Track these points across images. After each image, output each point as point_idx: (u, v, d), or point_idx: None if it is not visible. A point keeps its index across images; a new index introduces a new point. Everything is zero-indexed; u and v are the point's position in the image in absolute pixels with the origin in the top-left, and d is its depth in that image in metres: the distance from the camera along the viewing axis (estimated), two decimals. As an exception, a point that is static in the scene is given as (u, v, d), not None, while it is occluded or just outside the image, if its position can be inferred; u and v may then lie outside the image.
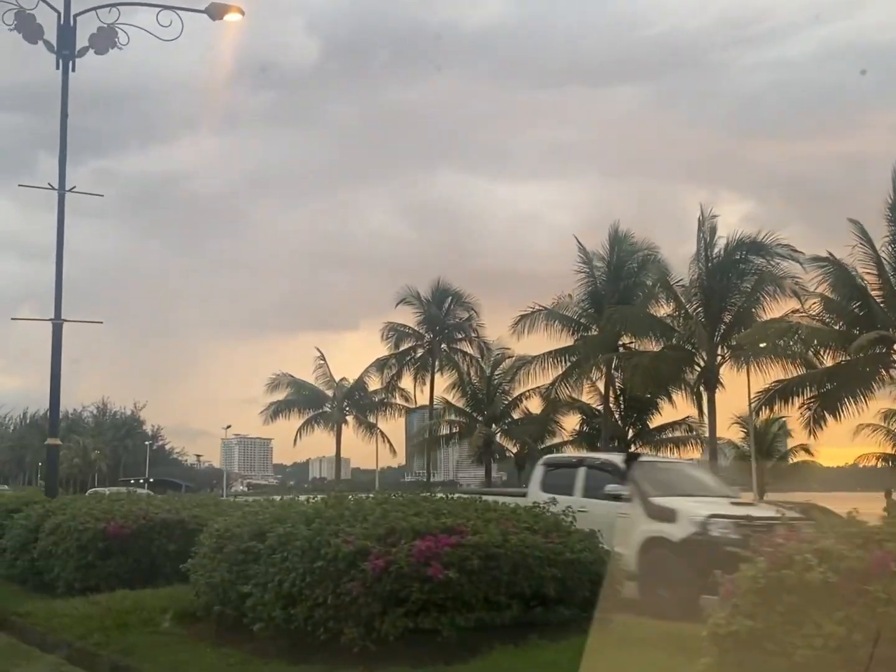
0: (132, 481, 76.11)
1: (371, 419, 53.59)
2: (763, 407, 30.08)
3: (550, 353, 40.36)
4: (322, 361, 53.41)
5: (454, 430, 45.07)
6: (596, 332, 39.68)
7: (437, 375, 49.29)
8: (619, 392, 42.17)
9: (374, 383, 52.40)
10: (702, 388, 34.35)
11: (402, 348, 49.47)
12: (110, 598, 11.53)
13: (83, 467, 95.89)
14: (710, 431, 33.08)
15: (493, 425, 43.82)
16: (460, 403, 44.85)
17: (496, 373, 44.15)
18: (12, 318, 18.26)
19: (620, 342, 39.34)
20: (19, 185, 17.97)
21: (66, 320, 17.64)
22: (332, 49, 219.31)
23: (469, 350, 49.31)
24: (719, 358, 32.15)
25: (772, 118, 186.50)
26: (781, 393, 28.82)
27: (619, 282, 38.98)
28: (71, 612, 11.25)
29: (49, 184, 17.80)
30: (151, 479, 72.32)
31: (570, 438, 46.21)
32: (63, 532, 13.45)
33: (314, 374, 53.39)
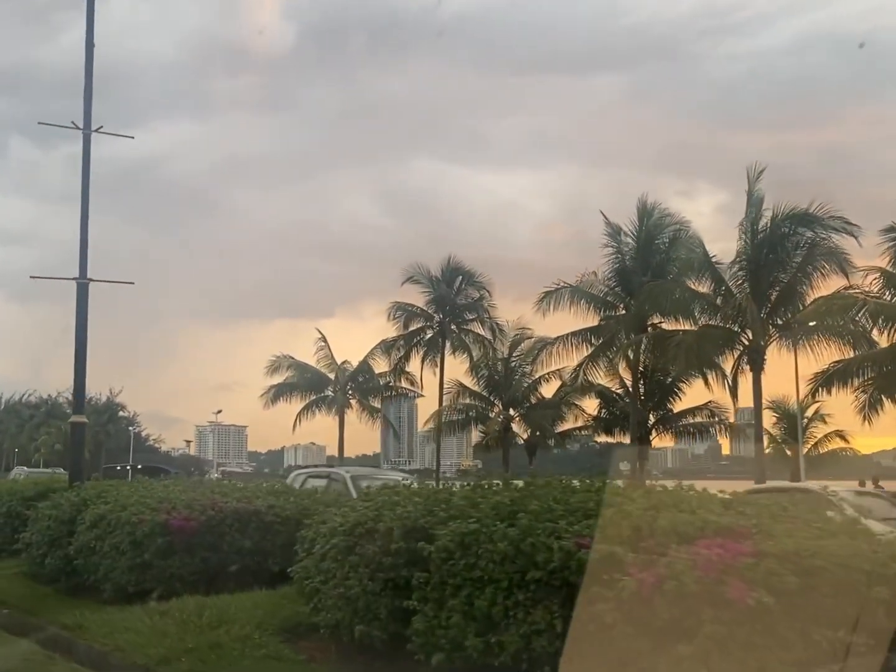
0: (118, 467, 73.74)
1: (375, 403, 51.37)
2: (819, 389, 28.14)
3: (575, 333, 38.28)
4: (323, 343, 51.04)
5: (471, 415, 42.87)
6: (623, 311, 37.73)
7: (448, 358, 47.23)
8: (639, 374, 40.27)
9: (378, 366, 50.22)
10: (740, 370, 32.38)
11: (410, 329, 47.19)
12: (182, 608, 9.34)
13: (64, 453, 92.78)
14: (756, 416, 31.15)
15: (511, 409, 41.72)
16: (476, 386, 42.72)
17: (514, 354, 41.98)
18: (31, 277, 14.93)
19: (649, 321, 37.40)
20: (39, 123, 15.34)
21: (92, 280, 15.36)
22: (309, 33, 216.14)
23: (480, 331, 47.25)
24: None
25: (748, 108, 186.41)
26: (840, 374, 26.92)
27: (648, 258, 36.93)
28: (136, 625, 9.04)
29: (73, 122, 15.46)
30: (140, 466, 69.63)
31: (586, 423, 44.35)
32: (110, 525, 11.24)
33: (315, 356, 51.08)
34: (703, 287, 32.02)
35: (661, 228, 37.21)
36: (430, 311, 47.81)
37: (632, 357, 37.66)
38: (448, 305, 47.39)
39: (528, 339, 41.38)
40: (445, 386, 44.11)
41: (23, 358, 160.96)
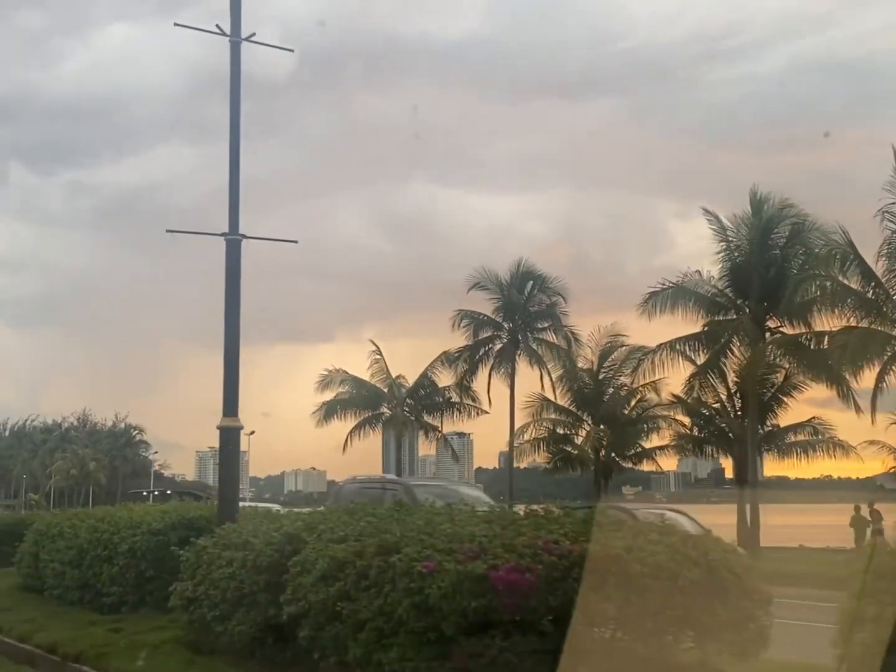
0: (144, 493, 69.28)
1: (433, 421, 47.25)
2: None
3: (681, 339, 34.28)
4: (378, 356, 46.93)
5: (559, 431, 38.69)
6: (734, 314, 33.85)
7: (517, 369, 43.24)
8: (736, 386, 36.21)
9: (440, 381, 46.18)
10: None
11: (480, 338, 43.20)
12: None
13: (80, 479, 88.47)
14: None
15: (602, 425, 37.55)
16: (562, 401, 38.56)
17: (605, 364, 37.87)
18: (168, 231, 10.87)
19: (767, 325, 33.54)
20: (175, 24, 11.40)
21: (244, 236, 11.42)
22: (307, 60, 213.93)
23: (554, 340, 43.26)
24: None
25: (743, 132, 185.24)
26: None
27: (764, 253, 33.04)
28: None
29: (217, 26, 11.56)
30: (169, 491, 65.15)
31: (671, 442, 40.05)
32: (365, 576, 7.18)
33: (369, 370, 46.98)
34: (853, 283, 28.09)
35: (777, 221, 33.38)
36: (498, 320, 43.95)
37: (745, 364, 33.70)
38: (519, 313, 43.48)
39: (621, 347, 37.28)
40: (525, 400, 40.02)
41: (21, 384, 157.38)
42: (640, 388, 36.77)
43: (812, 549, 31.91)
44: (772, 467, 41.08)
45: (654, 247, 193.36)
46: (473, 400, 46.24)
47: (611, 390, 37.64)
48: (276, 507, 24.45)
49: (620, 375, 37.48)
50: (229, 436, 11.16)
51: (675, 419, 37.58)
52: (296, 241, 11.98)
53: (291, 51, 11.95)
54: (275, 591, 8.22)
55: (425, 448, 47.24)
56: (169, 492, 72.37)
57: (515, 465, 46.25)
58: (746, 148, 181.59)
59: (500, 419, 46.94)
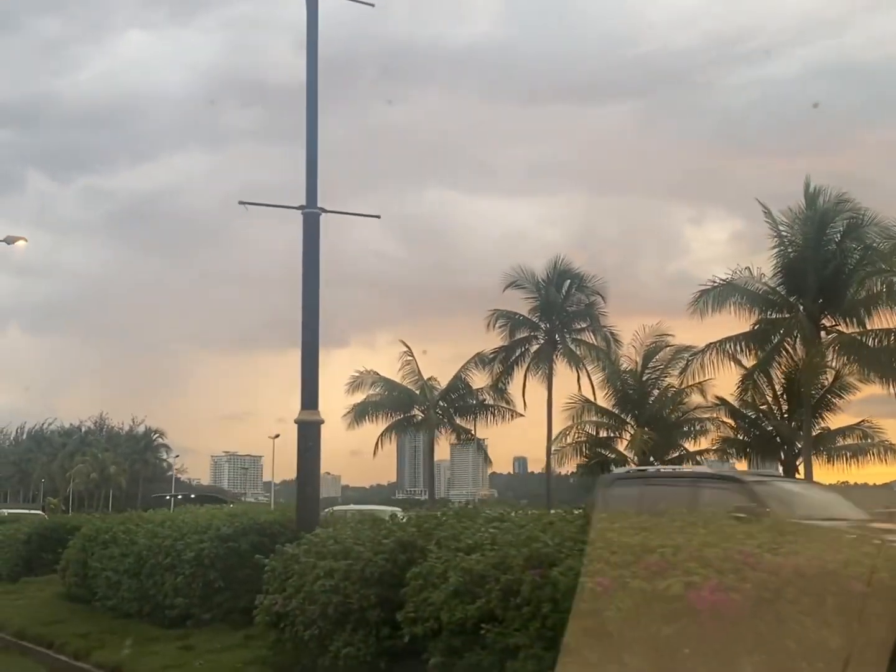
0: (167, 496, 68.20)
1: (465, 424, 46.01)
2: None
3: (732, 337, 32.91)
4: (410, 358, 45.73)
5: (601, 434, 37.37)
6: (786, 313, 32.45)
7: (555, 371, 42.00)
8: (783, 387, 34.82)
9: (474, 383, 44.98)
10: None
11: (516, 338, 41.97)
12: None
13: (100, 483, 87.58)
14: None
15: (646, 428, 36.19)
16: (604, 403, 37.21)
17: (649, 365, 36.51)
18: (240, 202, 9.65)
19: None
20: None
21: (324, 210, 10.24)
22: (319, 66, 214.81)
23: (592, 341, 42.01)
24: None
25: (757, 136, 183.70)
26: None
27: (820, 248, 31.65)
28: None
29: None
30: (193, 496, 63.99)
31: (712, 446, 38.60)
32: (516, 590, 5.98)
33: (399, 372, 45.80)
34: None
35: (833, 215, 32.00)
36: (534, 320, 42.72)
37: (802, 364, 32.32)
38: (556, 313, 42.23)
39: (666, 347, 35.95)
40: (565, 402, 38.70)
41: (37, 388, 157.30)
42: (686, 390, 35.44)
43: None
44: (820, 472, 39.65)
45: (667, 251, 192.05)
46: (507, 402, 45.15)
47: (656, 392, 36.24)
48: (393, 509, 19.83)
49: (665, 376, 36.10)
50: (309, 430, 9.99)
51: (722, 421, 36.27)
52: (378, 216, 10.80)
53: (372, 5, 10.74)
54: (389, 608, 7.03)
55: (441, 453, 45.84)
56: (193, 496, 71.41)
57: (528, 470, 45.07)
58: (761, 152, 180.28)
59: (516, 424, 45.94)
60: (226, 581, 10.26)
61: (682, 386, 34.72)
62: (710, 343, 33.81)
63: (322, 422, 10.23)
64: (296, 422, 10.02)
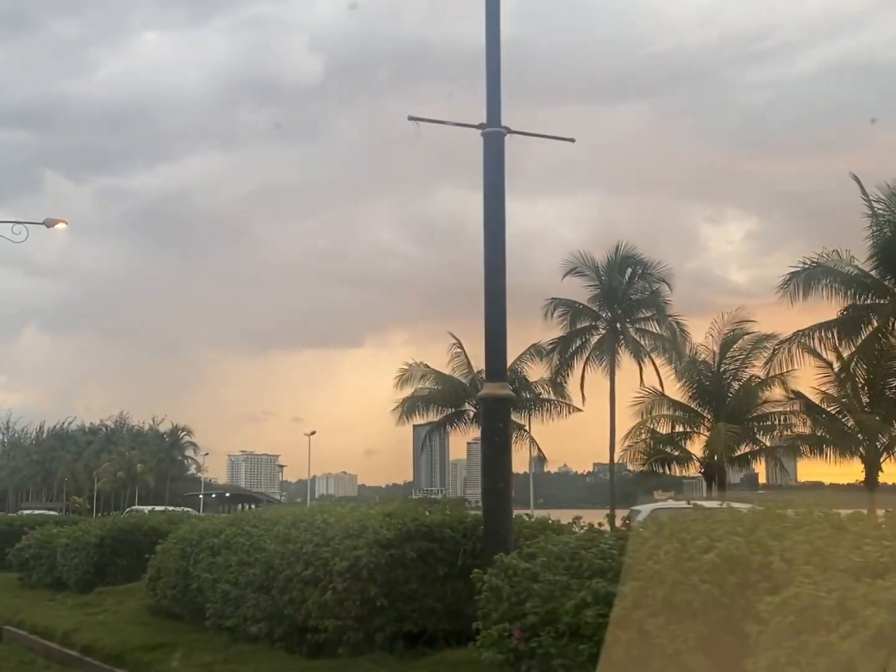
0: (200, 495, 66.30)
1: (520, 420, 43.69)
2: None
3: (820, 325, 30.55)
4: (459, 350, 43.45)
5: (677, 429, 35.02)
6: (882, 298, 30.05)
7: (618, 363, 39.78)
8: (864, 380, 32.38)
9: (530, 375, 42.79)
10: None
11: (576, 328, 39.71)
12: None
13: (126, 481, 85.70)
14: None
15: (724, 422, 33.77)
16: (679, 396, 34.83)
17: (727, 355, 34.08)
18: (410, 118, 7.46)
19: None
20: None
21: (508, 129, 8.05)
22: (335, 66, 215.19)
23: (657, 330, 39.73)
24: None
25: (775, 135, 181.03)
26: None
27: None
28: None
29: None
30: (227, 494, 62.01)
31: (783, 443, 36.14)
32: None
33: (449, 364, 43.57)
34: None
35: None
36: (594, 309, 40.45)
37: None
38: (618, 301, 39.93)
39: (747, 335, 33.59)
40: (634, 396, 36.37)
41: (54, 388, 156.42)
42: (770, 381, 33.09)
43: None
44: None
45: (685, 250, 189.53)
46: (562, 397, 42.96)
47: (736, 384, 33.86)
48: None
49: (746, 367, 33.72)
50: (497, 407, 7.79)
51: (803, 415, 33.88)
52: (573, 140, 8.63)
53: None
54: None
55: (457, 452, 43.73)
56: (228, 494, 69.69)
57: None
58: (778, 151, 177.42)
59: (570, 420, 43.76)
60: (388, 598, 8.09)
61: (768, 376, 32.36)
62: (799, 330, 31.51)
63: (512, 397, 8.06)
64: (481, 397, 7.87)
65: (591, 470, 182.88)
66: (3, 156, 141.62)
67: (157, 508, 33.25)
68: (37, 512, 41.17)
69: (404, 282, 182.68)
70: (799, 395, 34.29)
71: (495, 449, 7.80)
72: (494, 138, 8.14)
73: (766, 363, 32.24)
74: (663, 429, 34.88)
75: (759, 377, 33.09)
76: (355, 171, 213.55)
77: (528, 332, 45.13)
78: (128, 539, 14.28)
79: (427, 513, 8.72)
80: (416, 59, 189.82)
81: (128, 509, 41.04)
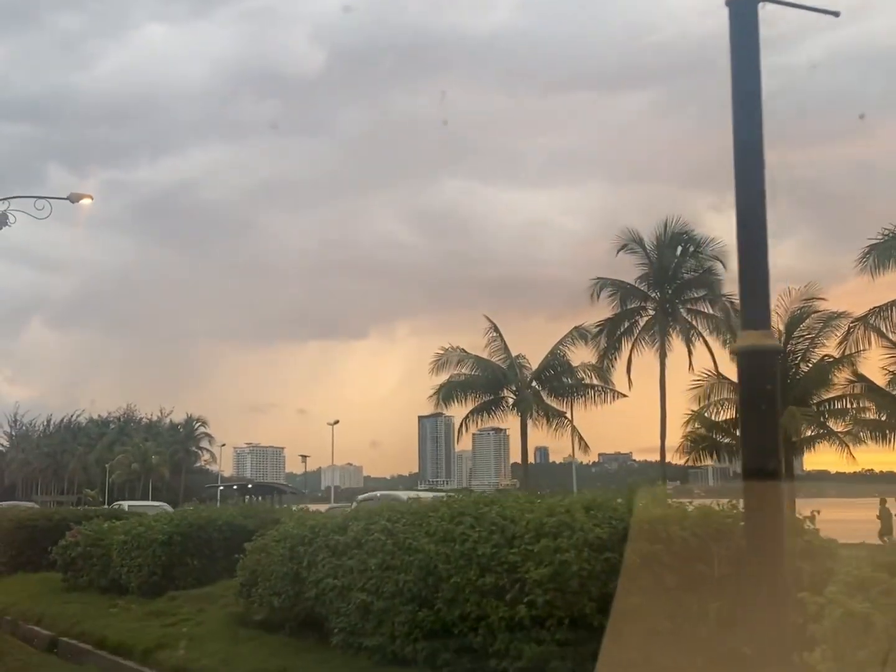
0: (221, 487, 64.25)
1: (562, 406, 41.76)
2: None
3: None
4: (496, 334, 41.51)
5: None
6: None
7: (668, 345, 37.87)
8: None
9: (573, 358, 40.83)
10: None
11: (626, 308, 37.78)
12: None
13: (140, 473, 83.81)
14: None
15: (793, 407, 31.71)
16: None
17: (795, 334, 32.00)
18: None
19: None
20: None
21: None
22: (338, 57, 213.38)
23: (710, 311, 37.83)
24: None
25: (779, 123, 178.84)
26: None
27: None
28: None
29: None
30: (250, 485, 59.98)
31: (845, 429, 33.99)
32: None
33: (486, 349, 41.62)
34: None
35: None
36: (643, 289, 38.53)
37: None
38: (669, 280, 37.96)
39: (816, 312, 31.52)
40: (693, 380, 34.34)
41: (59, 382, 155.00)
42: (841, 362, 31.08)
43: None
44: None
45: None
46: (606, 381, 41.02)
47: (805, 366, 31.80)
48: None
49: (815, 347, 31.67)
50: (759, 362, 5.78)
51: (864, 399, 31.86)
52: (837, 14, 6.66)
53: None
54: None
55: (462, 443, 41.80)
56: (250, 486, 67.63)
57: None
58: (782, 138, 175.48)
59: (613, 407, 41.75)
60: (603, 614, 6.13)
61: (844, 355, 30.30)
62: (875, 307, 29.56)
63: (779, 350, 6.05)
64: (738, 351, 5.82)
65: (595, 460, 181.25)
66: (6, 149, 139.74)
67: (133, 503, 30.31)
68: (147, 504, 33.91)
69: (409, 273, 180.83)
70: (862, 378, 32.38)
71: (762, 418, 5.81)
72: (743, 8, 6.17)
73: (840, 342, 30.26)
74: (724, 415, 32.80)
75: (831, 356, 31.05)
76: (360, 161, 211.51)
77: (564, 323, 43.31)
78: (200, 536, 12.35)
79: (640, 505, 6.74)
80: (419, 47, 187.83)
81: (115, 504, 38.29)
